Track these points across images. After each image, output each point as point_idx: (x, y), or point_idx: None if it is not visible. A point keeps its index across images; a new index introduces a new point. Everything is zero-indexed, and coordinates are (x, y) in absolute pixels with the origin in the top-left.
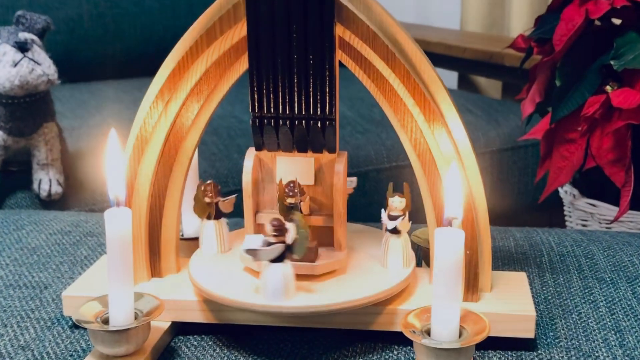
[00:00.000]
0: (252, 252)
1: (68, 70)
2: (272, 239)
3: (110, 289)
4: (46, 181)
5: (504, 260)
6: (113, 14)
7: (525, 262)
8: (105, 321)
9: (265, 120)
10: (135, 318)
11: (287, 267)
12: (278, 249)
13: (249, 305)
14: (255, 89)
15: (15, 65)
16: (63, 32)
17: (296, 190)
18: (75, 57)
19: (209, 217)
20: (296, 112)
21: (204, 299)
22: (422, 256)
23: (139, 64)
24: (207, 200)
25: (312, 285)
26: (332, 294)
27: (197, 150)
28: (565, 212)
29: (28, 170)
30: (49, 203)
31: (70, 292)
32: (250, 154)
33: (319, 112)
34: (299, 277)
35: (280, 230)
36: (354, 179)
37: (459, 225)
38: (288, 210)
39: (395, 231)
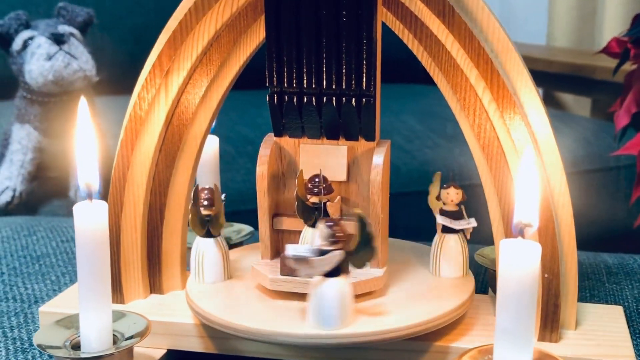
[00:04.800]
0: (302, 261)
1: (133, 80)
2: (328, 247)
3: (81, 305)
4: None
5: (592, 291)
6: None
7: (620, 294)
8: (76, 346)
9: (287, 97)
10: (115, 343)
11: (346, 284)
12: (337, 257)
13: (292, 336)
14: (274, 56)
15: (50, 59)
16: (129, 41)
17: (322, 187)
18: (141, 67)
19: (207, 234)
20: (325, 86)
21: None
22: (489, 281)
23: None
24: (204, 212)
25: None
26: (371, 321)
27: (217, 139)
28: None
29: (66, 177)
30: None
31: (49, 308)
32: (268, 141)
33: (353, 87)
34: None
35: (340, 236)
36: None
37: (533, 236)
38: (310, 213)
39: (451, 230)
